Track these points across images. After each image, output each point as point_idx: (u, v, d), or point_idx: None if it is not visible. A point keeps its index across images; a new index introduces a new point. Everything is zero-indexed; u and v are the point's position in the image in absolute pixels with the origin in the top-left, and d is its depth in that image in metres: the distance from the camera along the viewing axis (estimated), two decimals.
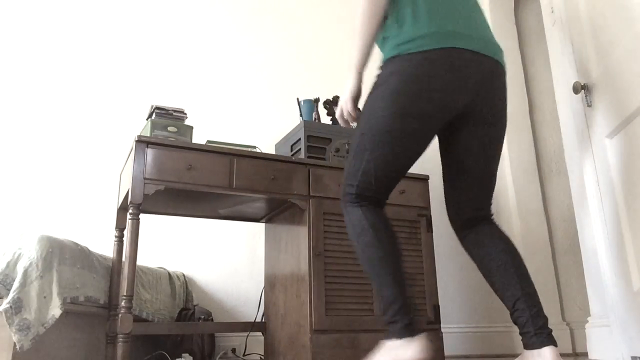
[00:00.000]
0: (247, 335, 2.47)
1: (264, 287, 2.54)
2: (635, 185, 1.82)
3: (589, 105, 2.10)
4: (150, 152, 1.98)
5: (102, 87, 2.87)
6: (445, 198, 1.54)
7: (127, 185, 2.06)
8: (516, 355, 2.83)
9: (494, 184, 1.49)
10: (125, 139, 2.82)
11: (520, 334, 1.34)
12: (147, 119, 2.18)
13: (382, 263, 1.30)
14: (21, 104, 2.71)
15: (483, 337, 3.07)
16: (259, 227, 2.88)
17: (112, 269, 2.18)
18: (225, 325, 2.35)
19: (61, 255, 1.81)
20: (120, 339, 1.82)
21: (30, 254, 1.72)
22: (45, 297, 1.70)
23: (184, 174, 2.01)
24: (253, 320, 2.47)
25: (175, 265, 2.69)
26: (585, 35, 2.12)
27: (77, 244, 1.96)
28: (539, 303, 1.35)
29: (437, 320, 2.30)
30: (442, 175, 1.56)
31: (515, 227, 3.36)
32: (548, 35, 2.45)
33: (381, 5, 1.37)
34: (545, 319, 1.34)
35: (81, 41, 2.91)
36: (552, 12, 2.41)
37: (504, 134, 1.47)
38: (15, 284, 1.65)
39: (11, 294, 1.63)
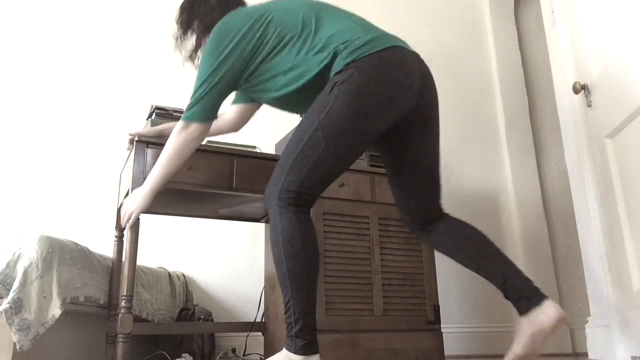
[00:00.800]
0: (247, 335, 2.47)
1: (264, 287, 2.54)
2: (635, 185, 1.82)
3: (589, 105, 2.10)
4: (150, 152, 1.98)
5: (102, 87, 2.87)
6: (399, 203, 1.55)
7: (127, 185, 2.06)
8: None
9: (440, 174, 1.55)
10: (125, 139, 2.81)
11: (519, 299, 1.35)
12: (147, 119, 2.18)
13: (300, 278, 1.29)
14: (21, 104, 2.72)
15: (483, 337, 3.07)
16: (259, 227, 2.88)
17: (112, 269, 2.18)
18: (225, 325, 2.35)
19: (61, 255, 1.81)
20: (120, 339, 1.82)
21: (30, 254, 1.72)
22: (45, 297, 1.70)
23: (184, 174, 2.01)
24: (253, 320, 2.47)
25: (175, 265, 2.69)
26: (585, 35, 2.12)
27: (77, 244, 1.95)
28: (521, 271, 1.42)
29: (437, 320, 2.30)
30: (390, 180, 1.56)
31: (515, 227, 3.36)
32: (548, 35, 2.45)
33: (194, 148, 1.59)
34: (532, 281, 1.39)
35: (81, 41, 2.91)
36: (552, 12, 2.41)
37: (439, 125, 1.56)
38: (15, 284, 1.65)
39: (11, 294, 1.62)
